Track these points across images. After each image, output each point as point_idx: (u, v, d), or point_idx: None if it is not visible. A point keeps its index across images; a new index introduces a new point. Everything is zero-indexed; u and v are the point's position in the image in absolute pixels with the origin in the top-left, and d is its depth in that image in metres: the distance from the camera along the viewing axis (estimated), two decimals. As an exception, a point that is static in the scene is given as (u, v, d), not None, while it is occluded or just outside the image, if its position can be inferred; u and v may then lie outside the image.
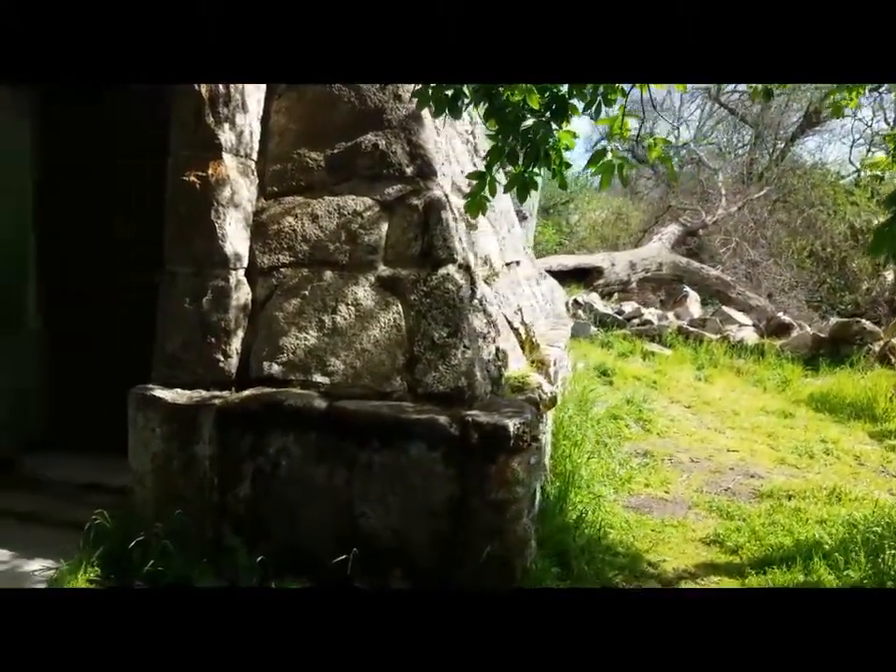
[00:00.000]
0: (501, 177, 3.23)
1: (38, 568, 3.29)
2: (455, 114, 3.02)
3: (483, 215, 3.27)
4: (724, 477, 5.18)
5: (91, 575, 3.14)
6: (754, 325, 9.63)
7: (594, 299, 10.44)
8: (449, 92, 2.91)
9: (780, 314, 9.93)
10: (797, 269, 13.17)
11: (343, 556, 3.06)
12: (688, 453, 5.66)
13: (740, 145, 16.41)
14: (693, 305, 10.56)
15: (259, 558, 3.10)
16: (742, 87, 13.35)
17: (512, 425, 3.09)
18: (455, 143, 4.65)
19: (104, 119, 4.14)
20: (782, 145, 15.65)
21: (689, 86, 15.72)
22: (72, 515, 3.64)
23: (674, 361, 8.32)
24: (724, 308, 10.36)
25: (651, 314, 9.97)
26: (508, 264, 5.06)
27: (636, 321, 9.71)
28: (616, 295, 12.29)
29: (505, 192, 3.06)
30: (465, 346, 3.38)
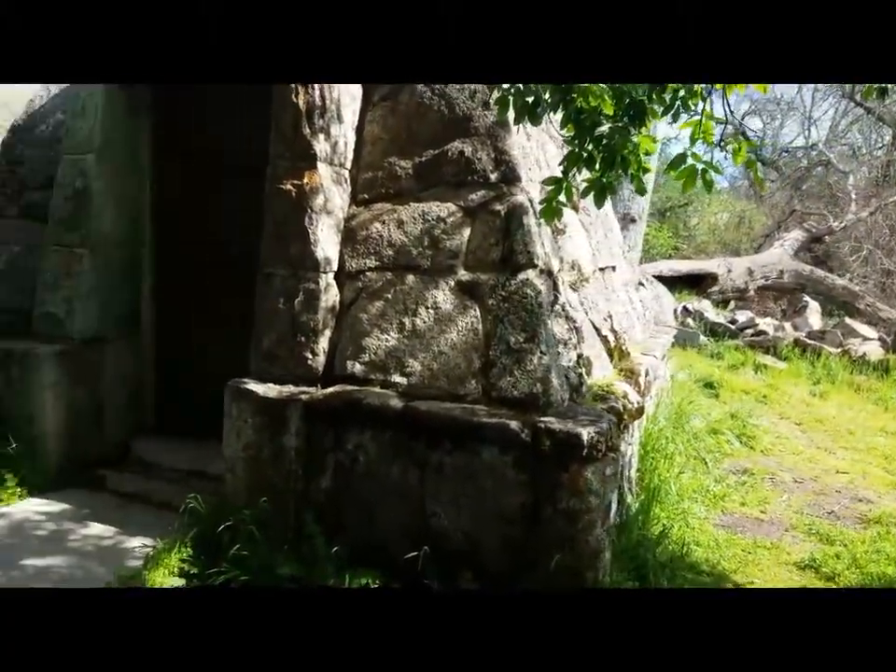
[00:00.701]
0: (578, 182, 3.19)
1: (138, 546, 3.57)
2: (536, 120, 3.04)
3: (559, 220, 3.26)
4: (829, 499, 4.87)
5: (184, 555, 3.35)
6: (880, 338, 8.94)
7: (705, 306, 10.04)
8: (529, 99, 2.94)
9: (912, 327, 9.17)
10: (938, 279, 12.11)
11: (414, 553, 3.13)
12: (792, 472, 5.35)
13: (878, 145, 15.26)
14: (813, 316, 9.93)
15: (335, 549, 3.22)
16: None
17: (586, 433, 3.05)
18: (548, 147, 4.64)
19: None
20: (926, 145, 14.43)
21: (821, 85, 14.80)
22: (174, 498, 3.91)
23: (787, 375, 7.87)
24: (847, 320, 9.67)
25: (766, 324, 9.47)
26: (602, 269, 4.98)
27: (749, 331, 9.26)
28: (732, 303, 11.76)
29: (582, 198, 3.03)
30: (542, 352, 3.37)
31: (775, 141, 17.72)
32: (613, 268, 5.35)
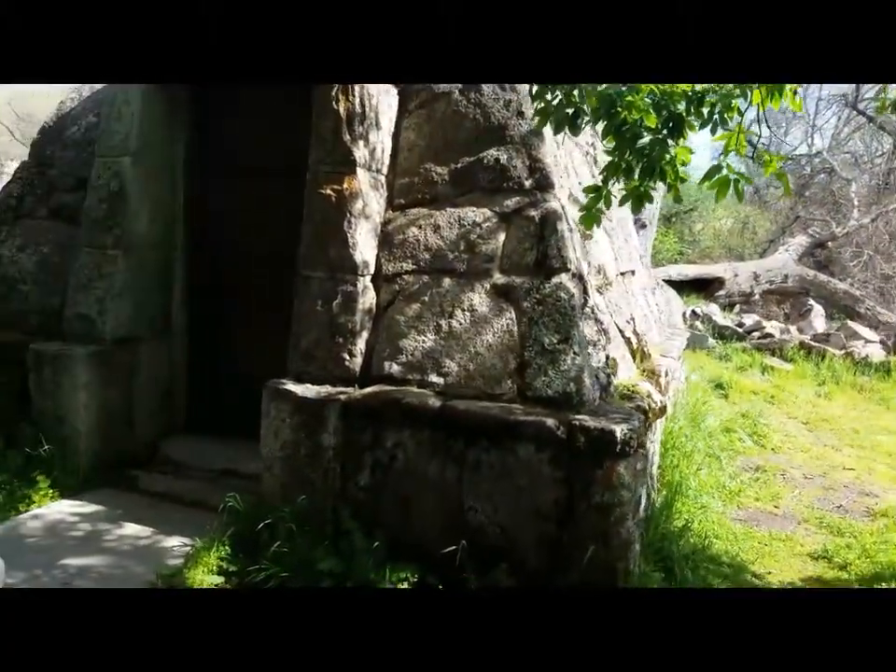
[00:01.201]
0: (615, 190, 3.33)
1: (176, 545, 3.62)
2: (575, 131, 3.19)
3: (598, 227, 3.39)
4: (837, 494, 5.07)
5: (222, 553, 3.41)
6: (881, 341, 9.14)
7: (713, 310, 10.21)
8: (569, 111, 3.09)
9: (914, 331, 9.37)
10: (936, 284, 12.30)
11: (453, 547, 3.24)
12: (801, 469, 5.53)
13: (878, 153, 15.45)
14: (817, 319, 10.12)
15: (376, 544, 3.32)
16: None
17: (620, 430, 3.18)
18: (574, 155, 4.78)
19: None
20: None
21: (825, 93, 14.96)
22: (206, 497, 4.01)
23: (794, 376, 8.05)
24: (850, 323, 9.88)
25: (772, 327, 9.65)
26: (622, 273, 5.12)
27: (756, 334, 9.43)
28: (738, 307, 11.93)
29: (620, 205, 3.17)
30: (575, 353, 3.51)
31: (780, 148, 17.89)
32: (632, 272, 5.49)
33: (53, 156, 5.14)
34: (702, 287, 11.36)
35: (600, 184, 3.12)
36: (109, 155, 4.44)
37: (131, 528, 3.79)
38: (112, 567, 3.40)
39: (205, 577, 3.31)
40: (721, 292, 11.52)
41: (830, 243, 13.57)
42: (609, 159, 3.07)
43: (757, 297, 11.84)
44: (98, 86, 5.15)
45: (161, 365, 4.69)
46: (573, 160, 4.60)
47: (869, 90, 13.31)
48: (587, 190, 3.17)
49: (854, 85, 13.69)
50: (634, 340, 4.50)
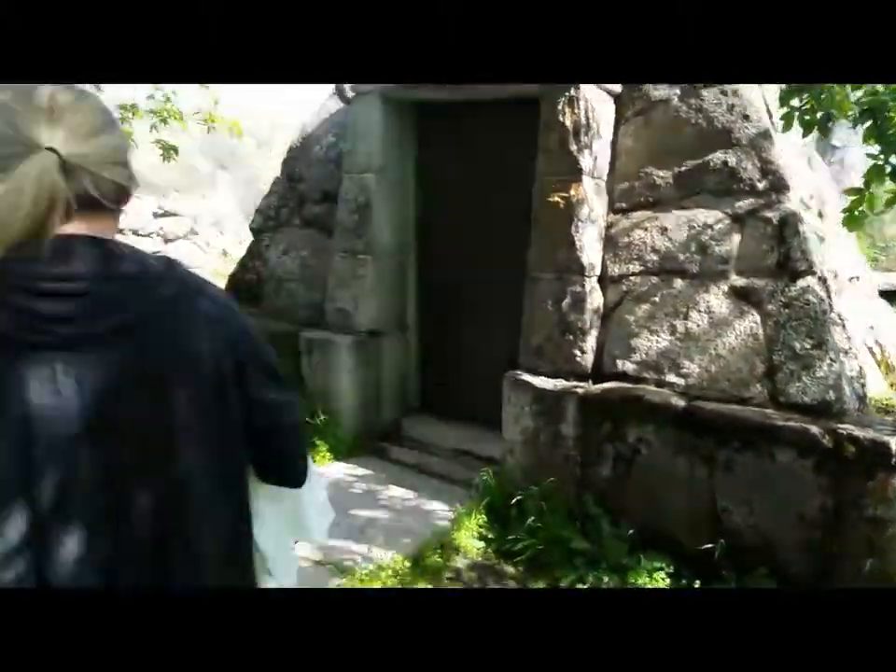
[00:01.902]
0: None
1: (438, 509, 4.00)
2: (826, 133, 3.08)
3: (862, 230, 3.23)
4: None
5: (480, 521, 3.70)
6: None
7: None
8: (819, 114, 2.98)
9: None
10: None
11: (709, 545, 3.20)
12: None
13: None
14: None
15: (630, 531, 3.39)
16: None
17: (895, 442, 2.97)
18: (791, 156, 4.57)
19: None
20: None
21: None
22: (450, 472, 4.41)
23: None
24: None
25: None
26: (850, 279, 4.80)
27: None
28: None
29: (886, 207, 3.01)
30: (831, 360, 3.31)
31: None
32: (857, 278, 5.13)
33: (301, 173, 5.76)
34: (906, 299, 10.34)
35: (861, 186, 2.97)
36: (355, 171, 4.90)
37: (396, 491, 4.25)
38: (393, 521, 3.84)
39: (469, 540, 3.63)
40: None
41: None
42: (872, 163, 2.93)
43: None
44: (332, 108, 5.67)
45: (399, 356, 5.15)
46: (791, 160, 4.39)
47: None
48: (849, 192, 3.04)
49: None
50: (876, 350, 4.19)
